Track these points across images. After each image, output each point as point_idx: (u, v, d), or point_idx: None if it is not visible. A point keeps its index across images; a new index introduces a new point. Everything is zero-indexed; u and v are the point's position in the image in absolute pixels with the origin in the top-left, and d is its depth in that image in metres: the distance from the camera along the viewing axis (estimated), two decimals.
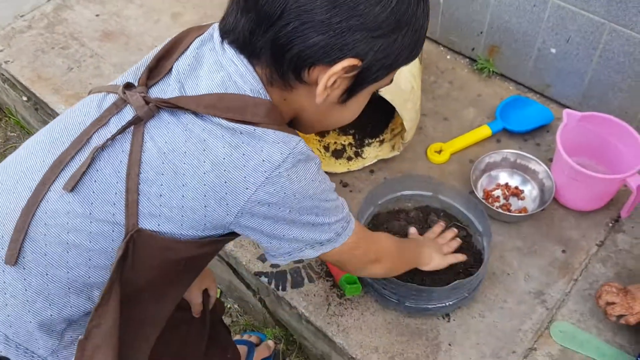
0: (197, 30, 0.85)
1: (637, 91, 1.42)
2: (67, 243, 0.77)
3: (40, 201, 0.77)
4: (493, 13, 1.59)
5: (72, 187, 0.75)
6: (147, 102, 0.76)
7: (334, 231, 0.83)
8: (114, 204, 0.76)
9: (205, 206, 0.75)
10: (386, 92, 1.28)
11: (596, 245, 1.34)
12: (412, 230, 1.29)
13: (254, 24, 0.72)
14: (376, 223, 1.34)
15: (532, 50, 1.57)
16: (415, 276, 1.23)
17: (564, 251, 1.34)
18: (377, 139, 1.56)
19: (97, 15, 2.01)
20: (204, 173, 0.73)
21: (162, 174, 0.75)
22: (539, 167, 1.41)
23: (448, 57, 1.79)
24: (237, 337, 1.60)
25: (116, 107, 0.80)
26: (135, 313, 0.86)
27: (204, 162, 0.73)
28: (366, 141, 1.56)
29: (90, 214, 0.76)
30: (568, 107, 1.60)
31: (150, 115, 0.76)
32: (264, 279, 1.34)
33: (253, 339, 1.58)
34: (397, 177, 1.35)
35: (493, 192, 1.44)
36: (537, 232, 1.37)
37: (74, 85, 1.80)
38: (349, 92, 0.78)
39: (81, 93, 1.77)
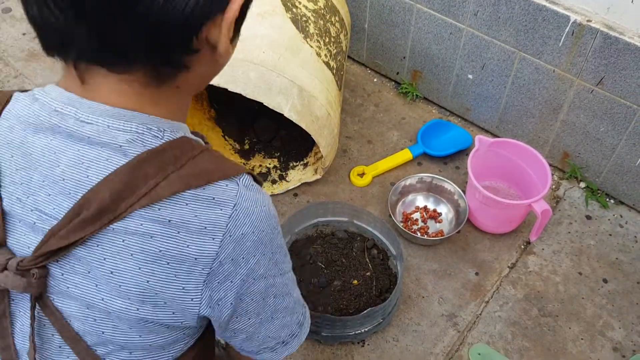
0: None
1: (547, 117, 1.48)
2: None
3: None
4: (414, 39, 1.63)
5: None
6: (26, 271, 0.57)
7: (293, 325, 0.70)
8: None
9: (167, 327, 0.61)
10: (300, 120, 1.29)
11: (508, 267, 1.39)
12: None
13: (100, 26, 0.51)
14: (294, 250, 1.35)
15: (451, 76, 1.62)
16: (331, 304, 1.24)
17: (477, 273, 1.37)
18: (302, 162, 1.57)
19: (23, 34, 1.97)
20: (138, 310, 0.59)
21: (103, 333, 0.60)
22: (453, 188, 1.45)
23: (375, 80, 1.82)
24: None
25: (2, 300, 0.62)
26: None
27: (130, 299, 0.58)
28: (291, 164, 1.58)
29: None
30: (487, 131, 1.66)
31: (43, 282, 0.58)
32: None
33: None
34: (312, 204, 1.36)
35: (412, 215, 1.47)
36: (453, 254, 1.41)
37: None
38: (237, 26, 0.61)
39: None
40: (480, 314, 1.31)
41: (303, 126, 1.30)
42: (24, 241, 0.58)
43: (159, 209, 0.56)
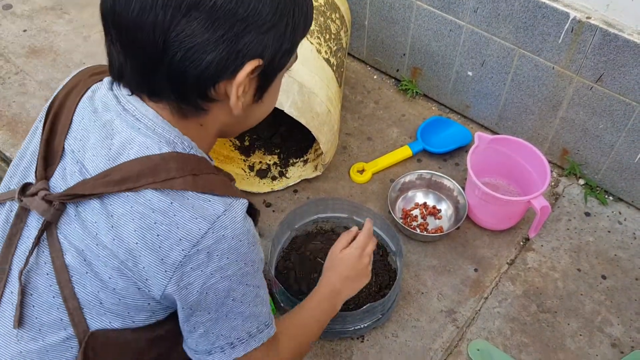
0: (75, 95, 0.80)
1: (546, 114, 1.48)
2: None
3: None
4: (414, 36, 1.63)
5: (19, 321, 0.73)
6: (50, 202, 0.72)
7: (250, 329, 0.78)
8: (61, 319, 0.74)
9: (139, 289, 0.72)
10: (301, 116, 1.30)
11: (507, 264, 1.39)
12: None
13: (140, 66, 0.69)
14: (294, 246, 1.36)
15: (451, 73, 1.62)
16: None
17: (476, 269, 1.38)
18: (302, 159, 1.58)
19: (24, 31, 1.97)
20: (121, 263, 0.71)
21: (87, 273, 0.72)
22: (452, 185, 1.46)
23: (375, 77, 1.83)
24: None
25: (20, 220, 0.76)
26: None
27: (118, 251, 0.71)
28: (291, 161, 1.58)
29: (43, 342, 0.74)
30: (486, 128, 1.66)
31: (58, 215, 0.73)
32: None
33: None
34: (312, 200, 1.37)
35: (411, 212, 1.48)
36: (452, 250, 1.41)
37: None
38: (261, 89, 0.76)
39: (4, 111, 1.73)
40: (479, 310, 1.31)
41: (303, 122, 1.31)
42: (60, 183, 0.74)
43: (168, 193, 0.70)
